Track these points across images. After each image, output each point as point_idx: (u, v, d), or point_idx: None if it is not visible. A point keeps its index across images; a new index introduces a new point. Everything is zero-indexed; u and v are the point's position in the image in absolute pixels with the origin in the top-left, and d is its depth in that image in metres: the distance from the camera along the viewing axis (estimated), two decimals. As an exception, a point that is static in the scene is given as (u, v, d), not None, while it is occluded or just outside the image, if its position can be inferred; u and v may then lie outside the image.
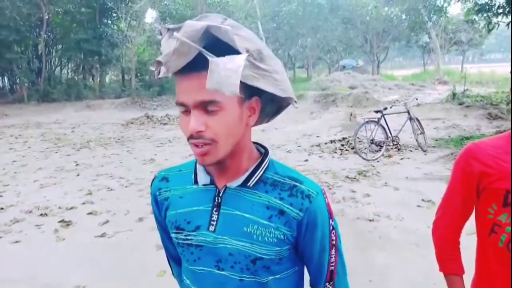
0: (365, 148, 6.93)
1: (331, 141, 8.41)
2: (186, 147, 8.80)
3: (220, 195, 0.87)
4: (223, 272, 0.86)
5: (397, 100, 13.41)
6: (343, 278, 0.93)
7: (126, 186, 5.71)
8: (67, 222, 4.29)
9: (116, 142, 9.85)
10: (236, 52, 0.72)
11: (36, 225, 4.26)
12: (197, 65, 0.74)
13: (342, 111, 12.86)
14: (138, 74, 22.50)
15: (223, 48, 0.72)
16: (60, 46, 23.39)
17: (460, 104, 12.15)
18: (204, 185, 0.88)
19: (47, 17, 20.66)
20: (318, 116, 12.48)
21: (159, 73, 0.79)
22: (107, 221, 4.31)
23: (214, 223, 0.86)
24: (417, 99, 9.16)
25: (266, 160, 0.88)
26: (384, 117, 7.05)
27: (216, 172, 0.87)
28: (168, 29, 0.76)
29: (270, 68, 0.78)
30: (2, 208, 4.83)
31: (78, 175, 6.47)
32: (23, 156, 8.31)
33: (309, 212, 0.83)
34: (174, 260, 1.08)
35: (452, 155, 6.56)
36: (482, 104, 12.09)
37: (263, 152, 0.91)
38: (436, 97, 16.13)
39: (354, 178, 5.62)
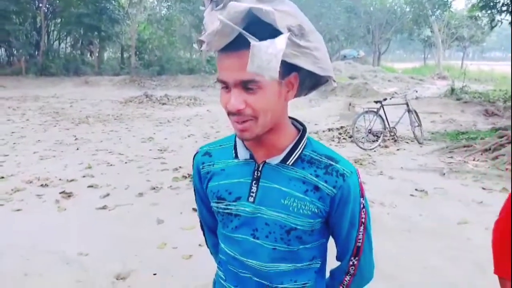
0: (363, 138, 7.02)
1: (329, 129, 8.49)
2: (186, 128, 8.86)
3: (260, 169, 0.91)
4: (257, 241, 0.92)
5: (396, 93, 13.47)
6: (369, 255, 0.98)
7: (126, 162, 5.77)
8: (68, 193, 4.36)
9: (115, 119, 9.86)
10: (277, 31, 0.74)
11: (37, 194, 4.33)
12: (239, 44, 0.76)
13: (341, 101, 12.91)
14: (138, 52, 22.29)
15: (264, 27, 0.75)
16: (59, 20, 23.03)
17: (458, 99, 12.26)
18: (245, 159, 0.93)
19: (47, -11, 20.32)
20: (317, 104, 12.54)
21: (201, 47, 0.82)
22: (108, 194, 4.38)
23: (254, 194, 0.91)
24: (417, 91, 9.22)
25: (305, 138, 0.92)
26: (383, 108, 7.12)
27: (255, 147, 0.91)
28: (211, 1, 0.78)
29: (311, 45, 0.80)
30: (2, 177, 4.89)
31: (77, 149, 6.52)
32: (22, 128, 8.32)
33: (342, 189, 0.88)
34: (210, 230, 1.14)
35: (447, 149, 6.68)
36: (479, 101, 12.20)
37: (301, 128, 0.94)
38: (434, 92, 16.22)
39: (350, 163, 5.71)
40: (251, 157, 0.93)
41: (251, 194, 0.92)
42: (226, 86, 0.82)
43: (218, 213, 0.98)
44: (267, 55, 0.71)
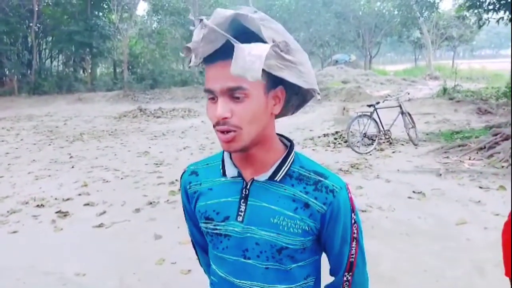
0: (358, 142, 7.04)
1: (324, 135, 8.51)
2: (181, 140, 8.84)
3: (248, 187, 0.90)
4: (249, 261, 0.91)
5: (389, 95, 13.55)
6: (362, 270, 0.97)
7: (122, 178, 5.74)
8: (64, 213, 4.32)
9: (109, 135, 9.83)
10: (262, 41, 0.75)
11: (33, 215, 4.29)
12: (225, 53, 0.77)
13: (335, 105, 12.96)
14: (130, 67, 22.31)
15: (250, 37, 0.76)
16: (50, 38, 23.07)
17: (451, 99, 12.34)
18: (232, 177, 0.92)
19: (37, 8, 20.35)
20: (311, 110, 12.57)
21: (190, 61, 0.83)
22: (104, 212, 4.35)
23: (242, 213, 0.90)
24: (408, 93, 9.28)
25: (292, 154, 0.91)
26: (376, 111, 7.15)
27: (243, 164, 0.91)
28: (201, 20, 0.79)
29: (296, 60, 0.81)
30: (-3, 199, 4.84)
31: (72, 167, 6.48)
32: (16, 148, 8.27)
33: (332, 206, 0.87)
34: (201, 249, 1.13)
35: (442, 149, 6.70)
36: (472, 99, 12.28)
37: (288, 144, 0.94)
38: (427, 92, 16.32)
39: (347, 170, 5.72)
40: (239, 175, 0.91)
41: (240, 213, 0.90)
42: (213, 97, 0.81)
43: (207, 233, 0.96)
44: (250, 56, 0.72)
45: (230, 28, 0.76)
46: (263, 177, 0.90)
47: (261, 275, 0.91)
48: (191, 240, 1.15)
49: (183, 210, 1.08)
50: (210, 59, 0.81)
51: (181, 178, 1.04)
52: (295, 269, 0.92)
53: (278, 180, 0.89)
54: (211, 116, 0.83)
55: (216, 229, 0.93)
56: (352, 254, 0.94)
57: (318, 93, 0.88)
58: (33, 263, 3.22)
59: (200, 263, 1.19)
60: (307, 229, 0.88)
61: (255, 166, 0.90)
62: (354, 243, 0.93)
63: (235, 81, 0.77)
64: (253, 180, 0.90)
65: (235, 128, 0.81)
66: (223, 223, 0.92)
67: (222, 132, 0.82)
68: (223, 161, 0.95)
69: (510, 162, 5.41)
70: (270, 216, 0.88)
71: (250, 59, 0.72)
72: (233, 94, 0.79)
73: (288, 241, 0.88)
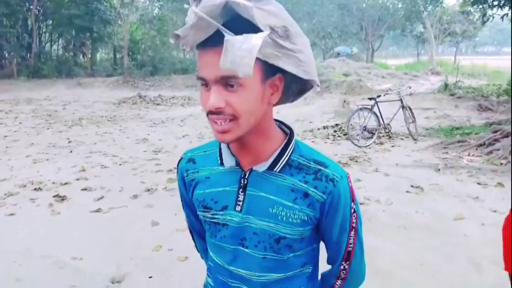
0: (358, 135, 7.02)
1: (324, 127, 8.49)
2: (180, 128, 8.82)
3: (246, 177, 0.88)
4: (246, 250, 0.90)
5: (390, 89, 13.48)
6: (360, 259, 0.97)
7: (120, 164, 5.73)
8: (62, 197, 4.31)
9: (108, 120, 9.80)
10: (257, 29, 0.70)
11: (31, 198, 4.29)
12: (217, 40, 0.72)
13: (335, 98, 12.90)
14: (130, 53, 22.15)
15: (245, 24, 0.71)
16: (51, 22, 22.83)
17: (452, 95, 12.30)
18: (230, 167, 0.90)
19: (38, -10, 20.13)
20: (311, 102, 12.52)
21: (177, 41, 0.78)
22: (102, 197, 4.34)
23: (241, 203, 0.88)
24: (410, 87, 9.23)
25: (292, 143, 0.89)
26: (377, 105, 7.12)
27: (240, 153, 0.88)
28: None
29: (295, 48, 0.76)
30: (-5, 182, 4.83)
31: (71, 151, 6.46)
32: (15, 131, 8.24)
33: (332, 195, 0.85)
34: (199, 235, 1.12)
35: (442, 144, 6.70)
36: (473, 96, 12.25)
37: (288, 132, 0.91)
38: (428, 87, 16.27)
39: (346, 163, 5.71)
40: (237, 164, 0.89)
41: (238, 203, 0.89)
42: (206, 84, 0.77)
43: (205, 222, 0.95)
44: (240, 50, 0.67)
45: (222, 14, 0.71)
46: (262, 167, 0.87)
47: (258, 264, 0.90)
48: (188, 226, 1.14)
49: (180, 196, 1.06)
50: (201, 46, 0.76)
51: (178, 165, 1.01)
52: (292, 258, 0.91)
53: (277, 170, 0.87)
54: (204, 104, 0.78)
55: (214, 218, 0.92)
56: (350, 244, 0.93)
57: (318, 85, 0.85)
58: (30, 246, 3.22)
59: (197, 249, 1.18)
60: (306, 218, 0.86)
61: (253, 155, 0.87)
62: (352, 232, 0.92)
63: (229, 70, 0.72)
64: (251, 169, 0.88)
65: (231, 117, 0.77)
66: (221, 212, 0.90)
67: (216, 122, 0.78)
68: (220, 149, 0.93)
69: (510, 159, 5.40)
70: (268, 206, 0.86)
71: (240, 53, 0.67)
72: (227, 82, 0.75)
73: (286, 231, 0.86)
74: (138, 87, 17.43)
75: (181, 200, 1.07)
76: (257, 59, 0.70)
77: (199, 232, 1.10)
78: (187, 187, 0.99)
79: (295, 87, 0.89)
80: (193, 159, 0.98)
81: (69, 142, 7.17)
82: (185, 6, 0.78)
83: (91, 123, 9.32)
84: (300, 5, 28.30)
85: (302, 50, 0.78)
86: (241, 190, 0.89)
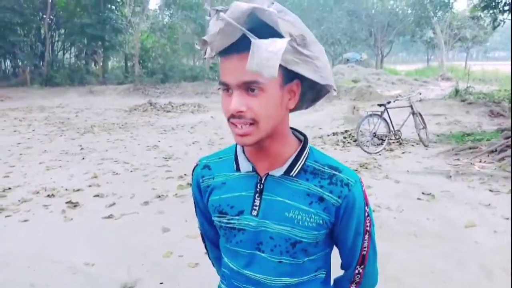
0: (367, 141, 6.99)
1: (334, 134, 8.48)
2: (191, 135, 8.88)
3: (262, 182, 0.90)
4: (263, 254, 0.91)
5: (400, 95, 13.42)
6: (373, 263, 0.98)
7: (131, 171, 5.79)
8: (74, 203, 4.38)
9: (120, 128, 9.91)
10: (279, 36, 0.74)
11: (44, 205, 4.36)
12: (241, 46, 0.76)
13: (345, 104, 12.89)
14: (141, 61, 22.44)
15: (267, 31, 0.75)
16: (63, 31, 23.28)
17: (463, 100, 12.19)
18: (247, 172, 0.92)
19: (51, 0, 20.55)
20: (321, 109, 12.52)
21: (205, 53, 0.82)
22: (114, 204, 4.40)
23: (257, 208, 0.90)
24: (420, 93, 9.17)
25: (307, 148, 0.92)
26: (387, 111, 7.10)
27: (257, 158, 0.90)
28: (217, 11, 0.78)
29: (312, 54, 0.80)
30: (9, 188, 4.92)
31: (83, 158, 6.56)
32: (28, 138, 8.38)
33: (347, 199, 0.88)
34: (211, 243, 1.13)
35: (453, 151, 6.64)
36: (484, 102, 12.12)
37: (302, 139, 0.94)
38: (439, 93, 16.16)
39: (356, 170, 5.69)
40: (253, 169, 0.92)
41: (254, 207, 0.91)
42: (227, 89, 0.81)
43: (221, 227, 0.97)
44: (267, 52, 0.71)
45: (247, 21, 0.76)
46: (278, 172, 0.90)
47: (273, 268, 0.92)
48: (201, 234, 1.15)
49: (194, 204, 1.08)
50: (225, 52, 0.80)
51: (193, 171, 1.04)
52: (307, 262, 0.93)
53: (293, 175, 0.89)
54: (226, 108, 0.82)
55: (230, 223, 0.93)
56: (365, 247, 0.95)
57: (335, 89, 0.88)
58: (43, 252, 3.27)
59: (209, 256, 1.20)
60: (321, 222, 0.88)
61: (269, 160, 0.90)
62: (366, 236, 0.94)
63: (251, 75, 0.76)
64: (267, 174, 0.90)
65: (251, 121, 0.80)
66: (237, 217, 0.92)
67: (236, 126, 0.81)
68: (236, 155, 0.95)
69: (511, 161, 5.32)
70: (285, 210, 0.89)
71: (266, 55, 0.71)
72: (248, 88, 0.79)
73: (302, 235, 0.88)
74: (148, 95, 17.62)
75: (195, 207, 1.09)
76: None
77: (212, 239, 1.12)
78: (202, 193, 1.01)
79: (310, 94, 0.93)
80: (209, 165, 1.00)
81: (82, 149, 7.28)
82: (206, 18, 0.84)
83: (103, 130, 9.44)
84: (309, 12, 28.42)
85: (319, 57, 0.82)
86: (257, 195, 0.91)
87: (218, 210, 0.95)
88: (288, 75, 0.81)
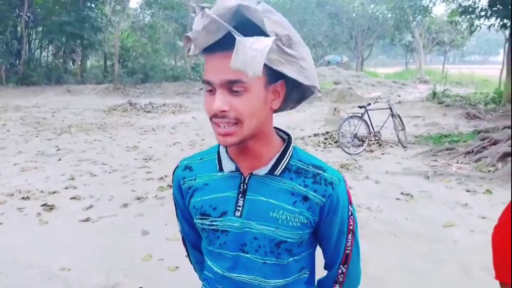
0: (348, 143, 7.07)
1: (315, 135, 8.53)
2: (171, 135, 8.78)
3: (246, 181, 0.89)
4: (247, 255, 0.90)
5: (379, 97, 13.65)
6: (356, 262, 0.98)
7: (110, 172, 5.67)
8: (50, 206, 4.25)
9: (98, 128, 9.72)
10: (265, 35, 0.73)
11: (18, 208, 4.21)
12: (226, 44, 0.74)
13: (326, 106, 13.00)
14: (121, 60, 22.07)
15: (253, 29, 0.73)
16: (41, 28, 22.69)
17: (440, 103, 12.50)
18: (230, 172, 0.90)
19: (28, -3, 20.02)
20: (302, 110, 12.58)
21: (189, 50, 0.80)
22: (91, 206, 4.29)
23: (240, 208, 0.88)
24: (399, 96, 9.35)
25: (291, 148, 0.91)
26: (367, 113, 7.19)
27: (240, 158, 0.89)
28: (202, 8, 0.76)
29: (297, 55, 0.79)
30: (-19, 191, 4.74)
31: (59, 159, 6.39)
32: (2, 139, 8.11)
33: (331, 198, 0.87)
34: (193, 246, 1.10)
35: (431, 152, 6.77)
36: (461, 104, 12.45)
37: (286, 138, 0.93)
38: (417, 96, 16.49)
39: (337, 170, 5.73)
40: (237, 169, 0.90)
41: (238, 208, 0.89)
42: (211, 89, 0.79)
43: (203, 229, 0.94)
44: (252, 50, 0.69)
45: (233, 19, 0.74)
46: (262, 171, 0.88)
47: (258, 269, 0.90)
48: (182, 237, 1.12)
49: (175, 206, 1.05)
50: (209, 50, 0.78)
51: (173, 173, 1.01)
52: (291, 263, 0.92)
53: (277, 174, 0.88)
54: (208, 108, 0.80)
55: (213, 224, 0.91)
56: (348, 246, 0.94)
57: (319, 91, 0.87)
58: (17, 257, 3.16)
59: (190, 260, 1.17)
60: (306, 222, 0.88)
61: (253, 160, 0.88)
62: (350, 235, 0.94)
63: (235, 74, 0.74)
64: (251, 174, 0.89)
65: (234, 121, 0.78)
66: (220, 219, 0.90)
67: (219, 125, 0.80)
68: (219, 155, 0.93)
69: (511, 163, 5.40)
70: (269, 210, 0.87)
71: (251, 53, 0.69)
72: (232, 87, 0.77)
73: (287, 234, 0.87)
74: (128, 95, 17.34)
75: (176, 210, 1.06)
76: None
77: (193, 243, 1.09)
78: (184, 195, 0.98)
79: (295, 94, 0.92)
80: (190, 166, 0.98)
81: (58, 150, 7.09)
82: (192, 14, 0.81)
83: (80, 131, 9.23)
84: (291, 14, 28.57)
85: (304, 58, 0.81)
86: (240, 195, 0.89)
87: (200, 212, 0.93)
88: (273, 75, 0.80)
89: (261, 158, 0.88)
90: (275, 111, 0.87)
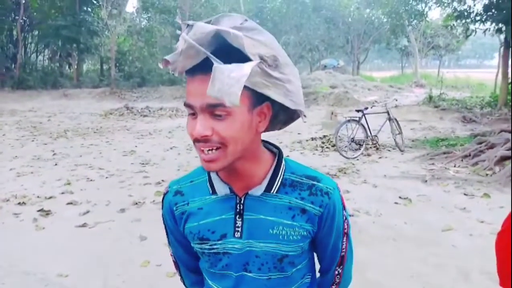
0: (346, 146, 7.07)
1: (312, 139, 8.53)
2: (168, 140, 8.76)
3: (242, 202, 0.87)
4: (250, 274, 0.89)
5: (376, 101, 13.68)
6: (350, 262, 1.00)
7: (106, 177, 5.64)
8: (46, 212, 4.21)
9: (95, 132, 9.68)
10: (248, 57, 0.71)
11: (14, 213, 4.17)
12: (206, 67, 0.71)
13: (323, 110, 13.03)
14: (117, 64, 22.04)
15: (234, 52, 0.71)
16: (37, 32, 22.65)
17: (436, 107, 12.55)
18: (225, 194, 0.88)
19: (24, 1, 19.97)
20: (299, 114, 12.61)
21: (165, 66, 0.78)
22: (88, 211, 4.26)
23: (240, 229, 0.87)
24: (396, 100, 9.38)
25: (283, 163, 0.89)
26: (364, 117, 7.20)
27: (232, 180, 0.86)
28: (188, 25, 0.73)
29: (284, 77, 0.77)
30: (-23, 196, 4.70)
31: (56, 164, 6.35)
32: (-2, 143, 8.07)
33: (328, 207, 0.88)
34: (188, 269, 1.06)
35: (428, 156, 6.78)
36: (457, 108, 12.52)
37: (276, 152, 0.91)
38: (413, 100, 16.55)
39: (335, 175, 5.73)
40: (231, 190, 0.87)
41: (237, 229, 0.87)
42: (193, 113, 0.77)
43: (203, 253, 0.91)
44: (229, 79, 0.67)
45: (212, 42, 0.71)
46: (258, 191, 0.87)
47: (264, 285, 0.90)
48: (174, 262, 1.07)
49: (166, 231, 1.01)
50: (190, 72, 0.76)
51: (163, 199, 0.97)
52: (294, 273, 0.92)
53: (274, 192, 0.87)
54: (190, 132, 0.77)
55: (214, 248, 0.89)
56: (343, 249, 0.96)
57: (304, 115, 0.85)
58: (14, 263, 3.12)
59: (184, 283, 1.12)
60: (305, 234, 0.88)
61: (246, 180, 0.86)
62: (345, 238, 0.95)
63: (216, 98, 0.70)
64: (246, 194, 0.87)
65: (218, 145, 0.76)
66: (220, 242, 0.88)
67: (203, 150, 0.77)
68: (209, 177, 0.90)
69: (511, 167, 5.40)
70: (268, 228, 0.86)
71: (228, 82, 0.67)
72: (214, 111, 0.74)
73: (288, 249, 0.87)
74: (125, 99, 17.31)
75: (167, 235, 1.01)
76: (246, 87, 0.70)
77: (188, 266, 1.05)
78: (177, 221, 0.94)
79: (282, 116, 0.89)
80: (180, 191, 0.94)
81: (54, 154, 7.05)
82: (177, 32, 0.79)
83: (76, 135, 9.19)
84: (287, 18, 28.68)
85: (291, 80, 0.79)
86: (238, 216, 0.87)
87: (198, 237, 0.90)
88: (258, 98, 0.77)
89: (253, 177, 0.86)
90: (263, 131, 0.85)
